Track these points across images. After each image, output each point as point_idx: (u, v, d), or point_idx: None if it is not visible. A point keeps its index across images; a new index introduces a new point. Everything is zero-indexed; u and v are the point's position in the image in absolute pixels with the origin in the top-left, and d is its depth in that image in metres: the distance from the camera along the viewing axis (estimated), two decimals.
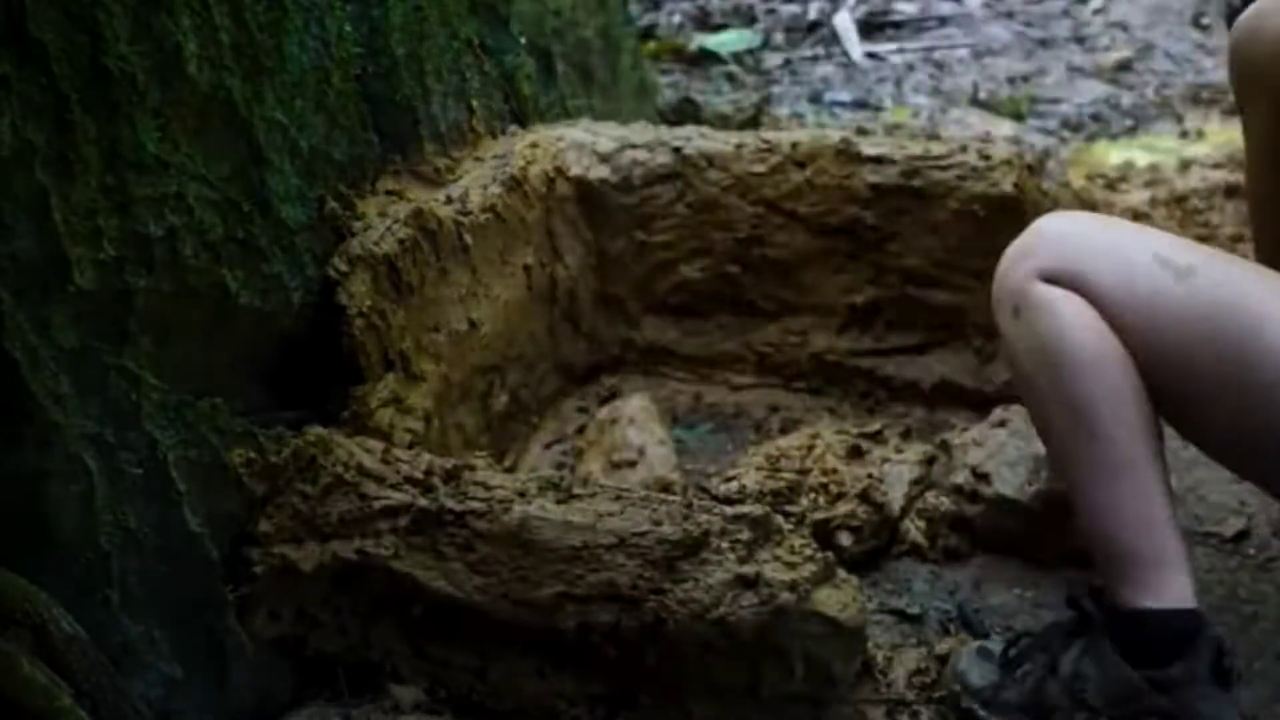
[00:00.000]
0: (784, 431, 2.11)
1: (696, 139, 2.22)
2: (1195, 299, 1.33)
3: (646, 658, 1.41)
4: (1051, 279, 1.38)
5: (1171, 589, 1.36)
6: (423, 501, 1.44)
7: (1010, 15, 4.49)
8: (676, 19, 4.43)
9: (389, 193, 1.78)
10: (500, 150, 2.08)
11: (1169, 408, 1.39)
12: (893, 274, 2.16)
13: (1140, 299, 1.35)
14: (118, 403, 1.32)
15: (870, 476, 1.83)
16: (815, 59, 4.12)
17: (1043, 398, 1.42)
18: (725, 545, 1.41)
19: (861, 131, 2.47)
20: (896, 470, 1.86)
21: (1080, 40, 4.08)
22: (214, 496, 1.40)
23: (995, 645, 1.53)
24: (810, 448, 1.89)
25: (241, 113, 1.47)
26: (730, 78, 3.86)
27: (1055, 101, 3.60)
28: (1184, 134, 3.32)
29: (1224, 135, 3.16)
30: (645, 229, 2.21)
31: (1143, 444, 1.37)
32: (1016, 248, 1.43)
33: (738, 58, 4.03)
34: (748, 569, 1.39)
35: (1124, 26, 4.15)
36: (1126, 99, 3.62)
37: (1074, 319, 1.37)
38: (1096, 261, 1.37)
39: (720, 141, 2.22)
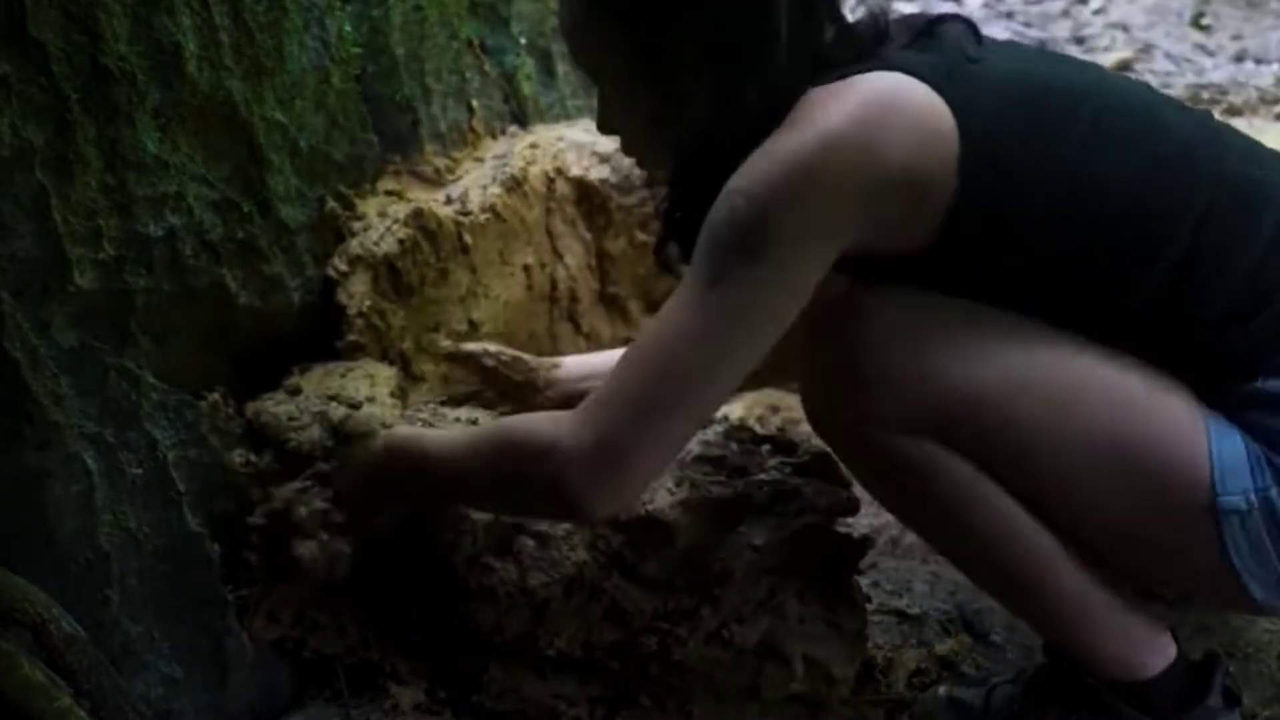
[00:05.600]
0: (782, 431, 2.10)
1: None
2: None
3: (649, 667, 1.41)
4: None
5: (1153, 655, 1.34)
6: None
7: (1010, 15, 4.48)
8: None
9: (389, 193, 1.78)
10: (500, 150, 2.07)
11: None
12: None
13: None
14: (118, 403, 1.32)
15: None
16: None
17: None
18: None
19: None
20: None
21: (1080, 40, 4.07)
22: (214, 496, 1.40)
23: (968, 694, 1.48)
24: None
25: (241, 113, 1.47)
26: None
27: None
28: None
29: None
30: (645, 229, 2.21)
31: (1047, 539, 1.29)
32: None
33: None
34: None
35: (1124, 27, 4.14)
36: None
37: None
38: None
39: None
